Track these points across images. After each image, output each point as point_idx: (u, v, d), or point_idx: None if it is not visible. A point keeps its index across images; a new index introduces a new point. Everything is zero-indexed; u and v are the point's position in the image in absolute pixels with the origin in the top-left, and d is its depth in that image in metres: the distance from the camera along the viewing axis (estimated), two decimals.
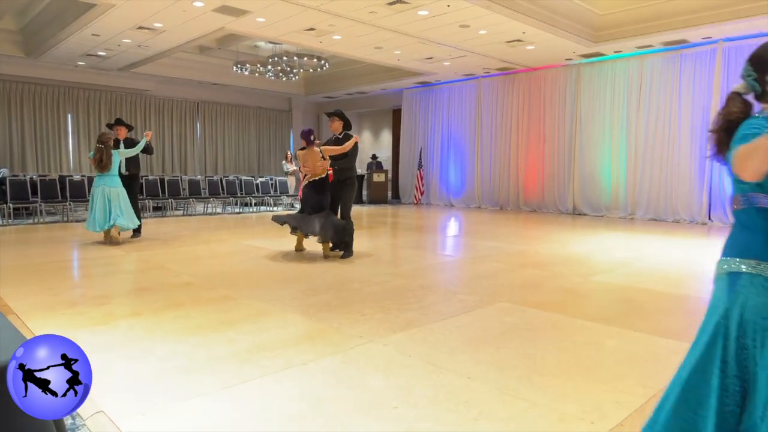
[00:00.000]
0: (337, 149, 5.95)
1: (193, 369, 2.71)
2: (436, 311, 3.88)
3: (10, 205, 9.41)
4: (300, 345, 3.10)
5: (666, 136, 11.05)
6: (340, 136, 6.22)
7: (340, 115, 6.24)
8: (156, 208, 11.96)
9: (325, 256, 6.04)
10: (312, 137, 6.03)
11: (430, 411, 2.27)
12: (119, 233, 7.05)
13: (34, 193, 9.89)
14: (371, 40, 10.60)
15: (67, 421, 2.11)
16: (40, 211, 9.99)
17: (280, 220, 6.21)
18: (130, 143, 7.53)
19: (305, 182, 6.15)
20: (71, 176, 11.23)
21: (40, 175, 11.34)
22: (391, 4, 8.33)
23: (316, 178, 6.02)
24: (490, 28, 9.56)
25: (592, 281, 5.03)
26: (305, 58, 12.78)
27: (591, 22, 10.16)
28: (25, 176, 10.64)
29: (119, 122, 7.71)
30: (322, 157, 5.94)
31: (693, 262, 6.29)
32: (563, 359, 2.91)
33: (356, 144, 6.10)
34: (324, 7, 8.53)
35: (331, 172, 6.16)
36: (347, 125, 6.30)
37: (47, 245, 7.12)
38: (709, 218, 10.54)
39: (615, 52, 11.17)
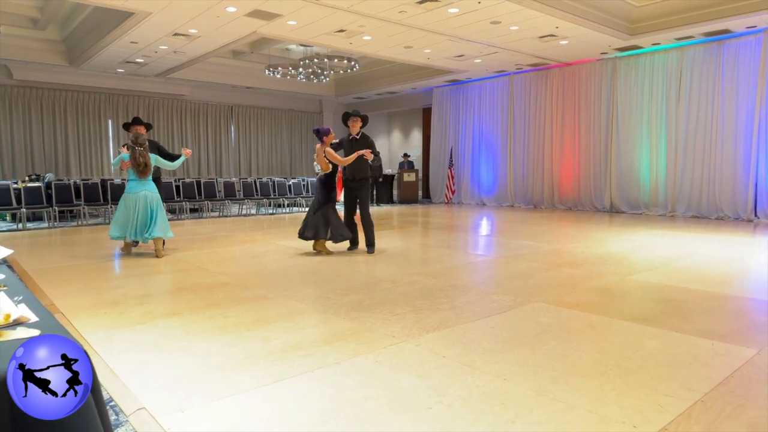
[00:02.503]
0: (340, 160, 6.29)
1: (229, 367, 2.76)
2: (469, 311, 3.84)
3: (56, 208, 9.81)
4: (333, 344, 3.11)
5: (708, 130, 10.65)
6: (358, 137, 6.50)
7: (359, 115, 6.54)
8: (193, 210, 12.25)
9: (315, 249, 6.51)
10: (323, 136, 6.33)
11: (466, 412, 2.25)
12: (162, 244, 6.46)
13: (78, 196, 10.27)
14: (401, 40, 10.58)
15: (111, 417, 2.17)
16: (84, 214, 10.37)
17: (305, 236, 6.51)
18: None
19: (319, 175, 6.54)
20: (112, 180, 11.62)
21: (83, 179, 11.77)
22: (421, 2, 8.30)
23: (325, 172, 6.40)
24: (522, 23, 9.41)
25: (630, 280, 4.88)
26: (335, 60, 12.87)
27: (627, 14, 9.88)
28: (69, 180, 11.08)
29: (137, 121, 6.73)
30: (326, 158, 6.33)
31: (738, 260, 6.03)
32: (601, 361, 2.84)
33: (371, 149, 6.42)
34: (354, 8, 8.56)
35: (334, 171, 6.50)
36: (364, 125, 6.60)
37: (90, 246, 7.38)
38: (755, 215, 10.10)
39: (653, 44, 10.82)
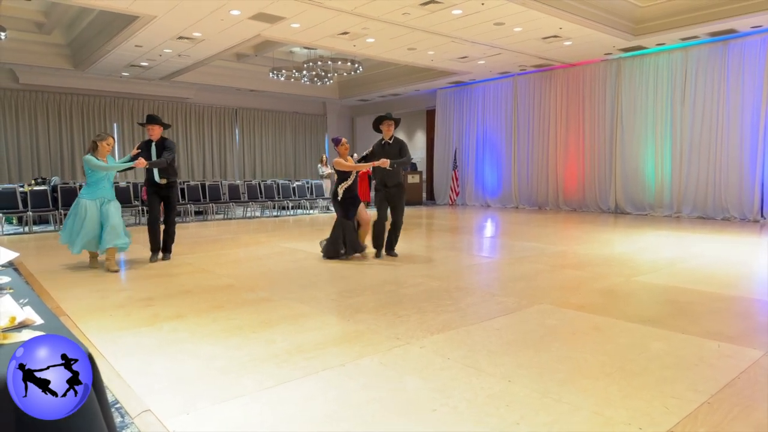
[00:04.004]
0: (347, 166, 6.08)
1: (233, 369, 2.76)
2: (473, 313, 3.83)
3: (61, 211, 9.85)
4: (337, 346, 3.11)
5: (713, 130, 10.60)
6: (390, 141, 6.18)
7: (393, 119, 6.17)
8: (197, 213, 12.28)
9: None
10: (336, 147, 6.26)
11: (471, 414, 2.24)
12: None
13: None
14: (404, 42, 10.59)
15: (117, 419, 2.18)
16: None
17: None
18: (161, 145, 6.18)
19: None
20: (117, 183, 11.66)
21: None
22: (424, 4, 8.31)
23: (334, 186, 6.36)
24: (525, 24, 9.40)
25: (635, 282, 4.86)
26: (339, 62, 12.87)
27: (631, 14, 9.85)
28: (74, 184, 11.12)
29: (152, 120, 6.13)
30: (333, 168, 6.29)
31: (744, 261, 5.99)
32: (606, 362, 2.82)
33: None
34: (357, 11, 8.58)
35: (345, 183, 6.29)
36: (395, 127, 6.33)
37: None
38: (762, 215, 10.05)
39: (657, 45, 10.79)
